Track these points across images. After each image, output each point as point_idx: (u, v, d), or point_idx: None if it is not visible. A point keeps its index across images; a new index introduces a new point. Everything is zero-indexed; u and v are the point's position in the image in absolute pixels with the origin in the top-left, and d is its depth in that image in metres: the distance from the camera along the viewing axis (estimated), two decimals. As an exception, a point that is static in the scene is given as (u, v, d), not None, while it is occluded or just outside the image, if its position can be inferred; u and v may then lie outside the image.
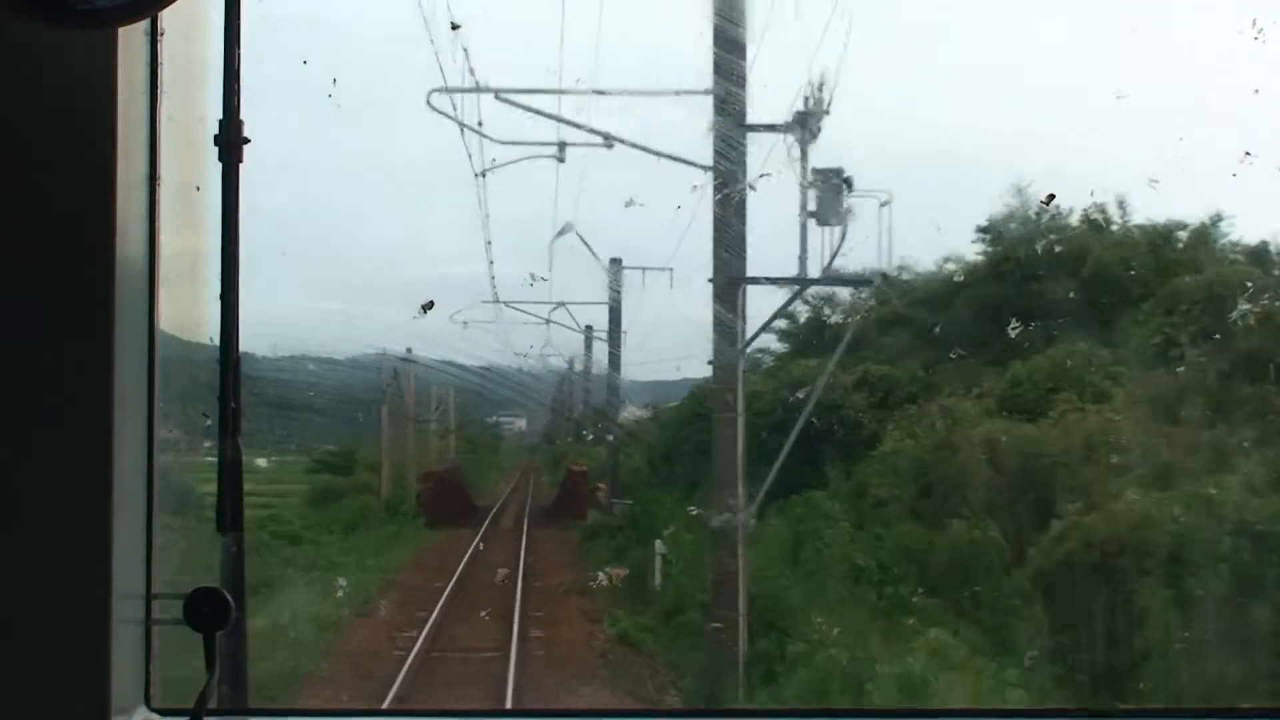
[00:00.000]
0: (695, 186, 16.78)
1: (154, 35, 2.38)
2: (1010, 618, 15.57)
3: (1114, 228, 20.59)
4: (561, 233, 20.64)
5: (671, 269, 21.32)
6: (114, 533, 2.26)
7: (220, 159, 2.48)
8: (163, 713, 2.44)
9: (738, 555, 16.25)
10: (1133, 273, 19.43)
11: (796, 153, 16.03)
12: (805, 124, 15.98)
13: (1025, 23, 20.89)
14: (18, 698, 2.25)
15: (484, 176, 17.65)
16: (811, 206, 16.04)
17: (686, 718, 6.82)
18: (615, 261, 23.08)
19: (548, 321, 25.70)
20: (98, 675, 2.27)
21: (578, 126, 16.63)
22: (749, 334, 16.92)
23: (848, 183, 16.04)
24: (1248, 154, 12.50)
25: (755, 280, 16.53)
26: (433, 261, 31.43)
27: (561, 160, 17.20)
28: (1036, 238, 20.38)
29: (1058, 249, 20.19)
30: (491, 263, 21.46)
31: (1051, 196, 18.92)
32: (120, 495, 2.28)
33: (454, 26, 13.93)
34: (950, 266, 20.74)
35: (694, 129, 15.90)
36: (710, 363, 16.84)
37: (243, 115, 2.47)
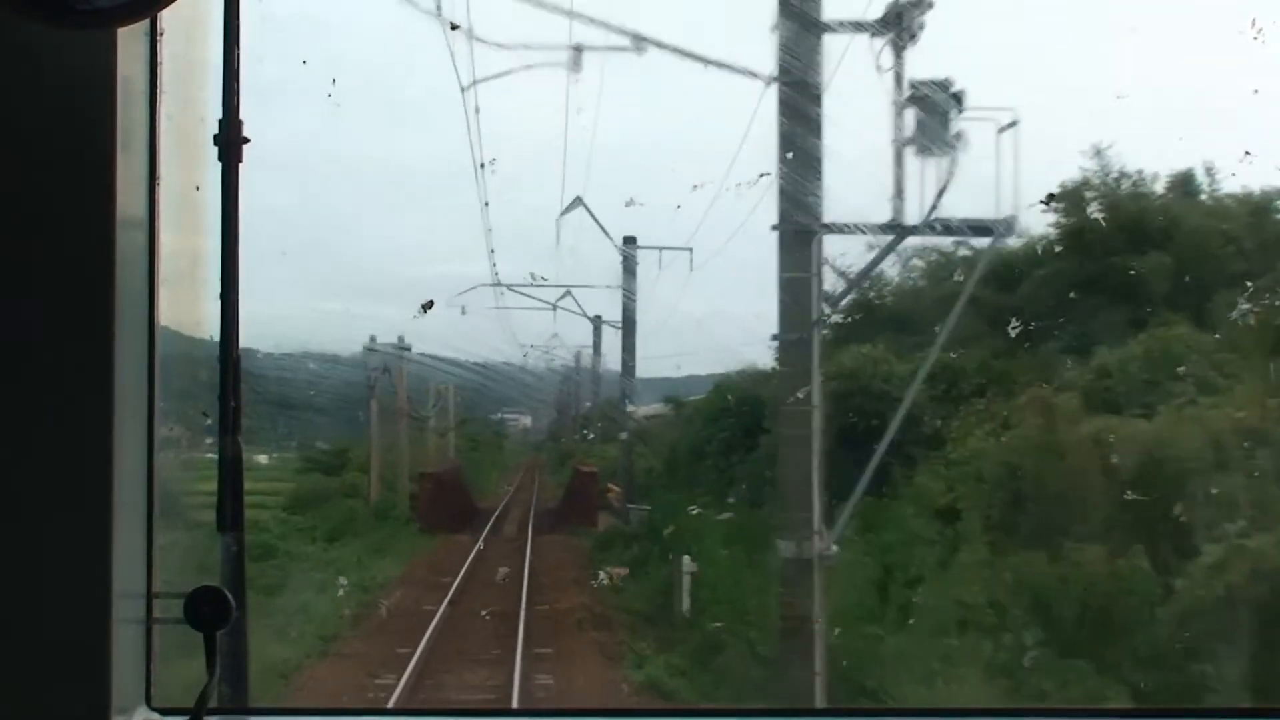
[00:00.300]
0: (696, 187, 15.94)
1: (154, 35, 2.60)
2: (1180, 678, 13.38)
3: (1203, 197, 19.64)
4: (570, 209, 20.10)
5: (691, 249, 20.82)
6: (114, 533, 2.49)
7: (220, 159, 2.70)
8: (163, 712, 2.65)
9: (812, 595, 13.56)
10: (1231, 246, 18.28)
11: (888, 60, 13.42)
12: (901, 21, 13.34)
13: (1025, 23, 21.24)
14: (18, 698, 2.47)
15: (476, 107, 16.34)
16: (908, 131, 13.48)
17: (687, 718, 7.01)
18: (629, 241, 22.16)
19: (554, 307, 25.56)
20: (98, 675, 2.49)
21: (596, 22, 14.44)
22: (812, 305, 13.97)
23: (957, 99, 13.49)
24: (1247, 154, 12.82)
25: (840, 229, 14.14)
26: (433, 260, 32.22)
27: (576, 70, 15.27)
28: (1117, 206, 19.23)
29: (1142, 219, 19.06)
30: (490, 230, 21.06)
31: (1052, 196, 18.33)
32: (120, 495, 2.51)
33: (454, 27, 13.83)
34: (1013, 242, 19.63)
35: (753, 28, 13.96)
36: (775, 338, 14.55)
37: (243, 115, 2.66)
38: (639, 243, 22.06)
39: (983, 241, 15.61)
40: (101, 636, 2.47)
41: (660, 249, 21.53)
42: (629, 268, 22.70)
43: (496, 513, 32.25)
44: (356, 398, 26.87)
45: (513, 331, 26.52)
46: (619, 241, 22.10)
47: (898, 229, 13.89)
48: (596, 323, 28.95)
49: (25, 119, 2.44)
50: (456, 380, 30.50)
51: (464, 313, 21.60)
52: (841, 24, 13.54)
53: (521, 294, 23.99)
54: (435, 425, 33.84)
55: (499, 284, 22.94)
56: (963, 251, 19.30)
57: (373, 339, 26.86)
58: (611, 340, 28.05)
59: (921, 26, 13.28)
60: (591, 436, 34.25)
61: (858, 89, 13.78)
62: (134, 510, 2.59)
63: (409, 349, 27.20)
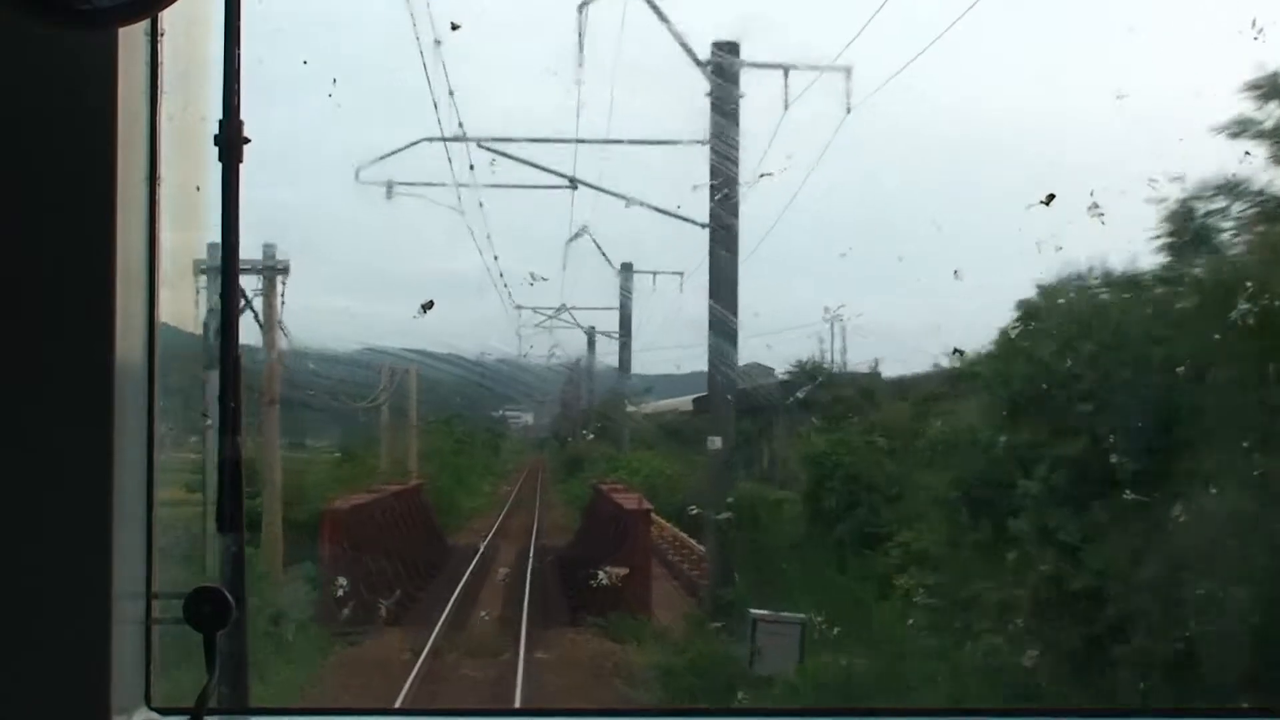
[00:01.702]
0: (695, 187, 15.43)
1: (154, 35, 2.62)
2: None
3: None
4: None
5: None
6: (114, 533, 2.50)
7: (220, 159, 2.71)
8: (163, 712, 2.67)
9: None
10: None
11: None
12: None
13: (1024, 23, 21.62)
14: (18, 698, 2.48)
15: (450, 90, 15.08)
16: None
17: (686, 717, 7.08)
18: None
19: (572, 221, 18.02)
20: (98, 675, 2.50)
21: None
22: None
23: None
24: (1247, 153, 12.97)
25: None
26: (433, 258, 32.04)
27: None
28: None
29: None
30: (477, 199, 18.16)
31: (1052, 196, 18.53)
32: (120, 495, 2.52)
33: (454, 27, 13.89)
34: None
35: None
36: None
37: (243, 115, 2.68)
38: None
39: None
40: (101, 637, 2.49)
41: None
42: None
43: (465, 577, 20.66)
44: (354, 398, 25.26)
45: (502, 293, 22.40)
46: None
47: None
48: (625, 275, 22.67)
49: (26, 118, 2.46)
50: (421, 362, 24.12)
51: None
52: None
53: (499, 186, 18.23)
54: (390, 425, 24.83)
55: (473, 183, 17.93)
56: None
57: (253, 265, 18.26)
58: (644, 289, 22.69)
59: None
60: (590, 436, 28.41)
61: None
62: (134, 510, 2.60)
63: (285, 268, 17.99)
